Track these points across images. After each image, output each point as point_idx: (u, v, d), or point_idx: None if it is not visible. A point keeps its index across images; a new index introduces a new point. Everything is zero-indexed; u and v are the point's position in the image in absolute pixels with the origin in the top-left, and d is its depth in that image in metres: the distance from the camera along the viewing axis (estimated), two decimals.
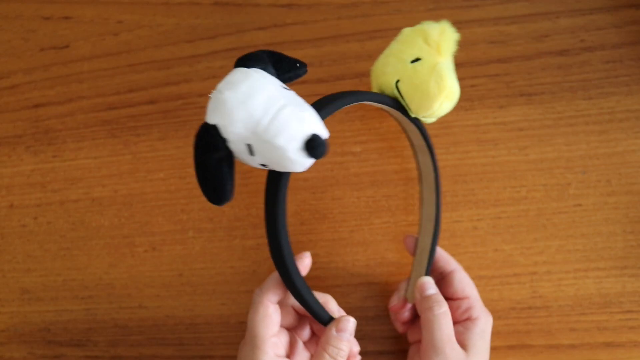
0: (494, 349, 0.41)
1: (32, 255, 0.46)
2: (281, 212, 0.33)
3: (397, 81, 0.36)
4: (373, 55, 0.44)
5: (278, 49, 0.45)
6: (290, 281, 0.33)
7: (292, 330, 0.37)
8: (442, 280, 0.39)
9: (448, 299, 0.38)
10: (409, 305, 0.39)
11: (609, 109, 0.43)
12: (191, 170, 0.45)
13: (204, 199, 0.44)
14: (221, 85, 0.32)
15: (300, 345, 0.37)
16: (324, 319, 0.35)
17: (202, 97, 0.45)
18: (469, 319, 0.37)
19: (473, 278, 0.42)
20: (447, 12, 0.45)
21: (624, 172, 0.42)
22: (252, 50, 0.46)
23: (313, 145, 0.30)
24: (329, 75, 0.45)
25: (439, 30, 0.35)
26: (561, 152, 0.42)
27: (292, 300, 0.37)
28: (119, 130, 0.46)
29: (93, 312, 0.44)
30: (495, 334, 0.42)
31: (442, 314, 0.35)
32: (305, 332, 0.38)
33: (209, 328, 0.44)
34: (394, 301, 0.39)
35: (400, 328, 0.40)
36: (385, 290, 0.42)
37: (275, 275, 0.35)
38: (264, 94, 0.31)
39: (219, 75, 0.45)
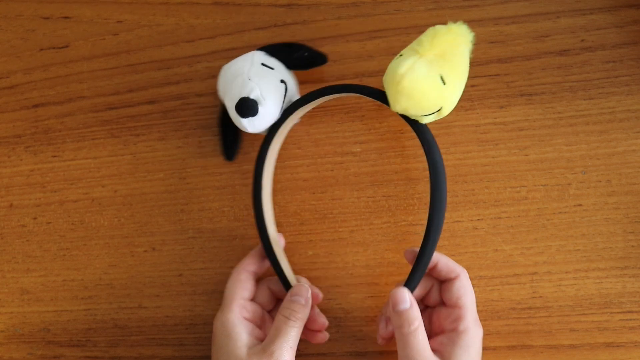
0: (493, 349, 0.41)
1: (32, 255, 0.45)
2: (262, 182, 0.40)
3: (384, 76, 0.37)
4: (373, 55, 0.44)
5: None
6: (268, 245, 0.39)
7: (265, 308, 0.40)
8: (443, 284, 0.38)
9: (444, 304, 0.37)
10: (387, 326, 0.39)
11: (609, 109, 0.43)
12: (191, 170, 0.45)
13: (204, 199, 0.45)
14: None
15: (269, 323, 0.39)
16: (288, 285, 0.39)
17: (202, 97, 0.45)
18: (455, 330, 0.35)
19: (473, 278, 0.42)
20: (447, 12, 0.45)
21: (624, 172, 0.42)
22: (251, 49, 0.46)
23: (239, 106, 0.37)
24: (329, 75, 0.45)
25: (432, 30, 0.34)
26: (561, 152, 0.42)
27: (270, 283, 0.40)
28: (118, 130, 0.46)
29: (93, 312, 0.44)
30: (495, 334, 0.41)
31: (412, 332, 0.34)
32: (272, 305, 0.41)
33: (209, 328, 0.44)
34: (381, 326, 0.39)
35: (380, 342, 0.40)
36: (385, 291, 0.42)
37: (254, 250, 0.40)
38: (237, 66, 0.39)
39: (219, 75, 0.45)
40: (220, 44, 0.46)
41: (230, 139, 0.43)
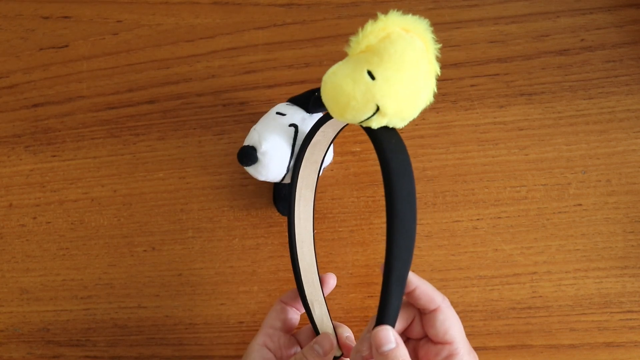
0: (493, 349, 0.41)
1: (31, 255, 0.45)
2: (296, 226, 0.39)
3: None
4: None
5: (277, 49, 0.46)
6: (300, 288, 0.38)
7: (303, 344, 0.40)
8: (424, 316, 0.34)
9: (430, 339, 0.33)
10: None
11: (609, 109, 0.43)
12: (190, 170, 0.45)
13: (203, 199, 0.44)
14: None
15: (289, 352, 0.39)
16: (316, 330, 0.38)
17: (202, 97, 0.45)
18: None
19: (473, 278, 0.42)
20: (447, 11, 0.45)
21: (624, 171, 0.42)
22: (250, 49, 0.46)
23: (239, 155, 0.37)
24: None
25: (364, 28, 0.30)
26: (561, 151, 0.42)
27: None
28: (118, 130, 0.46)
29: (92, 312, 0.44)
30: (495, 334, 0.41)
31: None
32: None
33: (208, 328, 0.44)
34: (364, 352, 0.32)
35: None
36: None
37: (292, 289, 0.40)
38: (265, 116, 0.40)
39: (218, 74, 0.45)
40: (220, 44, 0.46)
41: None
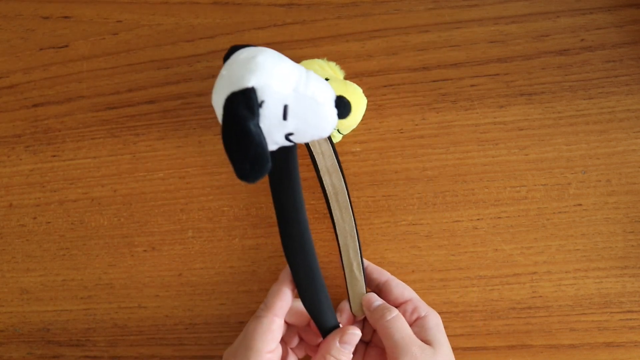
0: (493, 349, 0.41)
1: (31, 255, 0.45)
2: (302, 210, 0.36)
3: None
4: (373, 55, 0.44)
5: (277, 49, 0.45)
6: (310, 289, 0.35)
7: (282, 340, 0.38)
8: (380, 291, 0.39)
9: (393, 305, 0.38)
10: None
11: (609, 109, 0.43)
12: (191, 170, 0.45)
13: (203, 198, 0.44)
14: (239, 57, 0.33)
15: (289, 354, 0.38)
16: (328, 325, 0.36)
17: (202, 97, 0.45)
18: (418, 318, 0.37)
19: (473, 278, 0.42)
20: (447, 11, 0.45)
21: (624, 171, 0.42)
22: None
23: (341, 104, 0.34)
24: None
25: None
26: (561, 151, 0.42)
27: (290, 317, 0.38)
28: (118, 130, 0.46)
29: (92, 312, 0.44)
30: (495, 334, 0.41)
31: (395, 317, 0.36)
32: (294, 340, 0.39)
33: (208, 328, 0.44)
34: (342, 321, 0.38)
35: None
36: None
37: (279, 288, 0.35)
38: (287, 60, 0.34)
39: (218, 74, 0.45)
40: (220, 44, 0.46)
41: (260, 143, 0.32)
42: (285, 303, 0.35)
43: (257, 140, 0.30)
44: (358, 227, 0.43)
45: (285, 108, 0.32)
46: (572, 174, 0.42)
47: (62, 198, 0.46)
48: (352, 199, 0.43)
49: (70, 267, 0.45)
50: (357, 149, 0.44)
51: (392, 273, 0.42)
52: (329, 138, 0.38)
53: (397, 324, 0.35)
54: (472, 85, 0.44)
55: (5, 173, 0.46)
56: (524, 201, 0.42)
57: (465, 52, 0.44)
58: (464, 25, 0.44)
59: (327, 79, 0.38)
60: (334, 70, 0.41)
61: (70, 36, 0.47)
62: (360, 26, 0.45)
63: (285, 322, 0.37)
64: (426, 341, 0.35)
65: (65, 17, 0.48)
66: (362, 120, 0.42)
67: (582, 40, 0.43)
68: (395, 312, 0.36)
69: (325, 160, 0.38)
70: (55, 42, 0.47)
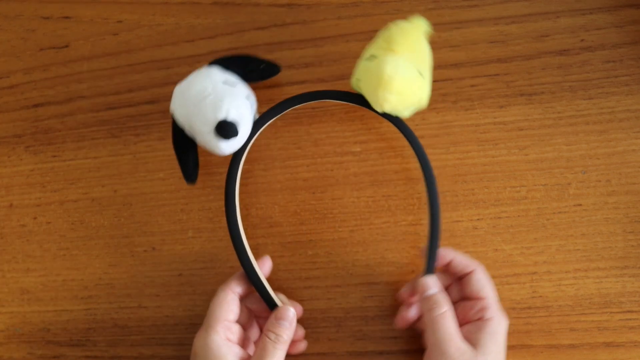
0: None
1: (32, 255, 0.45)
2: (233, 204, 0.39)
3: (357, 80, 0.38)
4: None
5: (277, 49, 0.46)
6: (250, 269, 0.38)
7: (244, 328, 0.39)
8: (462, 279, 0.39)
9: (465, 298, 0.38)
10: (413, 308, 0.39)
11: (609, 109, 0.43)
12: None
13: (203, 198, 0.45)
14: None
15: (250, 343, 0.39)
16: (272, 306, 0.38)
17: None
18: (481, 319, 0.37)
19: None
20: (447, 11, 0.45)
21: (624, 171, 0.42)
22: (251, 49, 0.46)
23: (221, 129, 0.36)
24: (329, 75, 0.45)
25: (398, 28, 0.36)
26: (561, 152, 0.42)
27: (247, 302, 0.40)
28: (118, 130, 0.46)
29: (92, 312, 0.44)
30: None
31: (442, 315, 0.36)
32: (255, 332, 0.41)
33: None
34: (404, 288, 0.40)
35: (399, 323, 0.40)
36: (385, 290, 0.42)
37: (239, 273, 0.39)
38: (198, 86, 0.37)
39: None
40: (220, 44, 0.46)
41: (192, 161, 0.41)
42: (237, 279, 0.39)
43: (178, 154, 0.41)
44: (359, 227, 0.43)
45: (191, 130, 0.38)
46: (572, 174, 0.42)
47: (63, 198, 0.46)
48: (352, 199, 0.43)
49: (71, 267, 0.45)
50: (357, 149, 0.44)
51: (392, 273, 0.42)
52: (389, 116, 0.39)
53: (442, 321, 0.35)
54: (472, 86, 0.44)
55: (5, 173, 0.47)
56: (524, 201, 0.42)
57: (465, 52, 0.44)
58: (464, 25, 0.44)
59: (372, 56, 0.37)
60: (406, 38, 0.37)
61: (71, 36, 0.47)
62: (360, 26, 0.45)
63: (248, 308, 0.40)
64: (474, 344, 0.35)
65: (66, 17, 0.48)
66: (361, 120, 0.42)
67: (582, 40, 0.43)
68: (444, 307, 0.36)
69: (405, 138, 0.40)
70: (55, 42, 0.47)
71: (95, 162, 0.46)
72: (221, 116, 0.36)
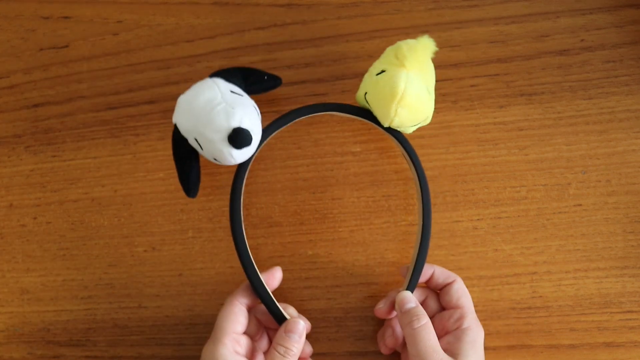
0: (493, 349, 0.41)
1: (32, 255, 0.45)
2: (238, 217, 0.39)
3: (365, 93, 0.38)
4: (373, 55, 0.44)
5: (277, 49, 0.46)
6: (256, 282, 0.38)
7: (253, 339, 0.39)
8: (441, 290, 0.39)
9: (443, 308, 0.39)
10: (393, 333, 0.39)
11: (609, 109, 0.43)
12: None
13: (203, 198, 0.45)
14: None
15: (260, 354, 0.39)
16: (280, 320, 0.38)
17: None
18: (459, 327, 0.37)
19: (473, 278, 0.42)
20: (447, 11, 0.45)
21: (624, 172, 0.42)
22: (250, 49, 0.46)
23: (235, 137, 0.35)
24: (329, 75, 0.45)
25: (408, 46, 0.36)
26: (561, 152, 0.42)
27: (256, 312, 0.40)
28: (118, 130, 0.46)
29: (92, 312, 0.44)
30: (495, 334, 0.41)
31: (422, 327, 0.36)
32: (264, 342, 0.40)
33: (209, 328, 0.43)
34: (380, 305, 0.39)
35: (384, 350, 0.40)
36: (385, 290, 0.42)
37: (245, 284, 0.39)
38: (206, 95, 0.37)
39: None
40: (220, 44, 0.46)
41: (194, 174, 0.40)
42: (243, 291, 0.38)
43: (179, 166, 0.40)
44: (359, 227, 0.43)
45: (197, 141, 0.37)
46: (572, 174, 0.42)
47: (63, 198, 0.46)
48: (352, 199, 0.43)
49: (71, 267, 0.45)
50: (357, 149, 0.44)
51: (392, 273, 0.42)
52: (392, 130, 0.39)
53: (423, 333, 0.35)
54: (472, 85, 0.44)
55: (5, 173, 0.47)
56: (524, 201, 0.42)
57: (465, 52, 0.44)
58: (464, 25, 0.44)
59: (382, 71, 0.37)
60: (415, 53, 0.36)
61: (71, 36, 0.47)
62: (360, 26, 0.45)
63: (257, 319, 0.40)
64: (454, 354, 0.35)
65: (66, 17, 0.48)
66: (362, 120, 0.42)
67: (582, 40, 0.43)
68: (423, 320, 0.36)
69: (402, 150, 0.40)
70: (55, 42, 0.47)
71: (95, 162, 0.46)
72: (235, 124, 0.35)
